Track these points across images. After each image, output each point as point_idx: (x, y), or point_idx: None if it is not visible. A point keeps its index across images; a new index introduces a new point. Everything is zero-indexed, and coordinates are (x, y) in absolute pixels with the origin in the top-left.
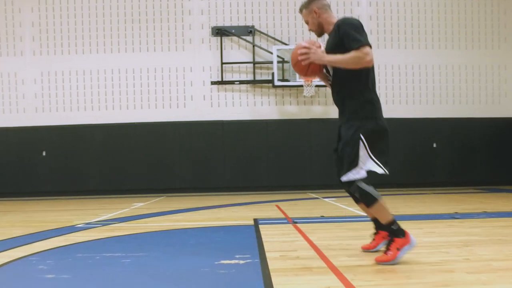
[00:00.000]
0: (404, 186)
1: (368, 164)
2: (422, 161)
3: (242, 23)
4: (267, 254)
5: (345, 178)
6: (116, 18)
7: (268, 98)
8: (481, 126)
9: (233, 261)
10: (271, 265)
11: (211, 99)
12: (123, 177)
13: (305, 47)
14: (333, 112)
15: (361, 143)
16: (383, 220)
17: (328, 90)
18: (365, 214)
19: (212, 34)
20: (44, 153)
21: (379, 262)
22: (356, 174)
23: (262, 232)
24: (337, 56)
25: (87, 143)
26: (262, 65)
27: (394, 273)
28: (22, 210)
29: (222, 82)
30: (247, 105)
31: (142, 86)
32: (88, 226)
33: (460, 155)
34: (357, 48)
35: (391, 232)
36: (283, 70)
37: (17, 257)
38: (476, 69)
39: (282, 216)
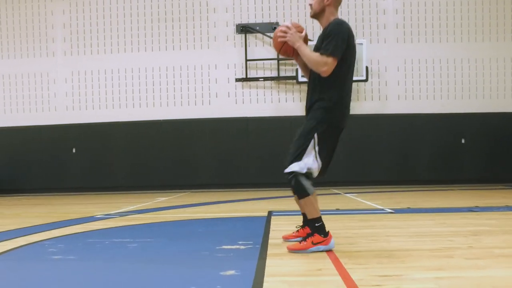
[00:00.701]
0: (431, 183)
1: (311, 162)
2: (450, 157)
3: (266, 20)
4: (270, 241)
5: (287, 169)
6: (143, 18)
7: (292, 94)
8: None
9: (234, 246)
10: (271, 250)
11: (236, 96)
12: (149, 173)
13: (287, 27)
14: (358, 108)
15: (312, 141)
16: (310, 216)
17: (354, 86)
18: (380, 207)
19: (237, 31)
20: (74, 150)
21: (290, 249)
22: (296, 167)
23: (272, 222)
24: (306, 50)
25: (115, 140)
26: (286, 61)
27: (389, 258)
28: (49, 203)
29: (246, 79)
30: (271, 102)
31: (168, 84)
32: (107, 217)
33: (490, 151)
34: (321, 53)
35: (313, 228)
36: None
37: (32, 241)
38: (508, 62)
39: (298, 209)
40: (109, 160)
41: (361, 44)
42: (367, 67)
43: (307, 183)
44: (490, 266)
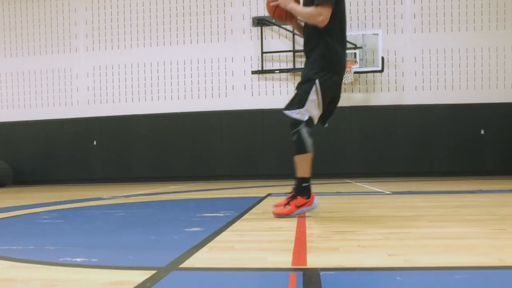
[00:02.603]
0: (449, 175)
1: (312, 109)
2: (469, 149)
3: None
4: (251, 211)
5: (288, 112)
6: (161, 13)
7: None
8: None
9: (214, 214)
10: (247, 217)
11: (252, 88)
12: (167, 165)
13: None
14: (374, 99)
15: (314, 88)
16: (300, 174)
17: (369, 76)
18: (380, 191)
19: (253, 24)
20: (95, 143)
21: (275, 214)
22: (298, 114)
23: (265, 201)
24: (298, 7)
25: (134, 132)
26: (302, 53)
27: (356, 222)
28: (66, 190)
29: (262, 71)
30: (287, 94)
31: (186, 77)
32: (112, 198)
33: (510, 143)
34: (316, 5)
35: (298, 188)
36: None
37: (33, 212)
38: None
39: None
40: (128, 152)
41: (377, 34)
42: (382, 58)
43: (309, 140)
44: (448, 226)
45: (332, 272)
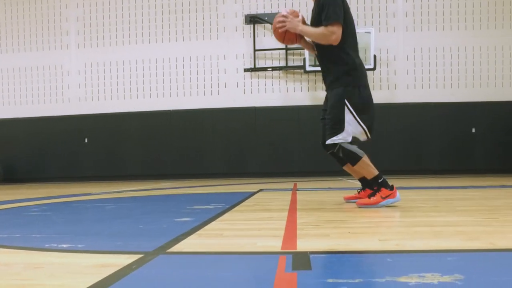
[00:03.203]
0: (441, 173)
1: (353, 128)
2: (461, 147)
3: (274, 10)
4: (243, 203)
5: (329, 141)
6: (153, 10)
7: (300, 84)
8: None
9: (204, 206)
10: (237, 208)
11: (244, 86)
12: (159, 162)
13: (283, 16)
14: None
15: (345, 108)
16: (370, 176)
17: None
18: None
19: (245, 22)
20: (86, 140)
21: (359, 205)
22: (340, 138)
23: (256, 195)
24: (309, 29)
25: (126, 130)
26: (295, 51)
27: (344, 212)
28: (57, 187)
29: (254, 69)
30: (279, 92)
31: (178, 75)
32: (102, 193)
33: (501, 141)
34: (326, 25)
35: (378, 185)
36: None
37: (22, 205)
38: None
39: (290, 187)
40: (120, 150)
41: (369, 32)
42: (375, 56)
43: (354, 148)
44: (441, 216)
45: (323, 255)
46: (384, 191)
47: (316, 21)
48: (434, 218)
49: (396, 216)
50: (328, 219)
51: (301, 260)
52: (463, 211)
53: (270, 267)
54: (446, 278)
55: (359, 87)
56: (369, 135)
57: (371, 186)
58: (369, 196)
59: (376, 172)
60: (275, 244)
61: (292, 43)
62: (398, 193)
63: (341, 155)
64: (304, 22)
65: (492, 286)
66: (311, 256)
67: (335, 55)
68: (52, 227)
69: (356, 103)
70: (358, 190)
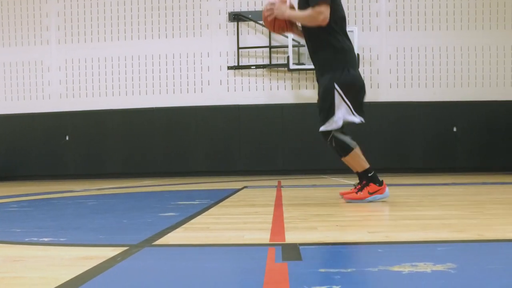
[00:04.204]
0: (423, 171)
1: (343, 113)
2: (442, 145)
3: (258, 8)
4: (228, 199)
5: (323, 128)
6: (136, 6)
7: (284, 82)
8: (505, 110)
9: (189, 202)
10: (223, 204)
11: (228, 84)
12: (142, 160)
13: (270, 4)
14: None
15: (335, 92)
16: (360, 169)
17: None
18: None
19: (229, 19)
20: (67, 138)
21: (346, 199)
22: (333, 124)
23: (241, 192)
24: (296, 12)
25: (108, 128)
26: (278, 49)
27: (330, 206)
28: (37, 185)
29: (238, 67)
30: (263, 89)
31: (161, 72)
32: (83, 190)
33: (482, 140)
34: (313, 6)
35: (367, 179)
36: (298, 53)
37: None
38: (500, 50)
39: (275, 184)
40: (102, 148)
41: (352, 31)
42: (358, 55)
43: (346, 138)
44: (427, 210)
45: (312, 246)
46: (373, 186)
47: (304, 5)
48: (420, 212)
49: (383, 210)
50: (315, 213)
51: (291, 252)
52: (448, 206)
53: (260, 258)
54: (439, 267)
55: (348, 69)
56: (361, 118)
57: (361, 179)
58: (357, 191)
59: (366, 166)
60: (263, 236)
61: (284, 31)
62: (388, 189)
63: (333, 145)
64: (292, 8)
65: (485, 274)
66: (301, 247)
67: (323, 40)
68: (33, 222)
69: (344, 84)
70: (355, 185)
